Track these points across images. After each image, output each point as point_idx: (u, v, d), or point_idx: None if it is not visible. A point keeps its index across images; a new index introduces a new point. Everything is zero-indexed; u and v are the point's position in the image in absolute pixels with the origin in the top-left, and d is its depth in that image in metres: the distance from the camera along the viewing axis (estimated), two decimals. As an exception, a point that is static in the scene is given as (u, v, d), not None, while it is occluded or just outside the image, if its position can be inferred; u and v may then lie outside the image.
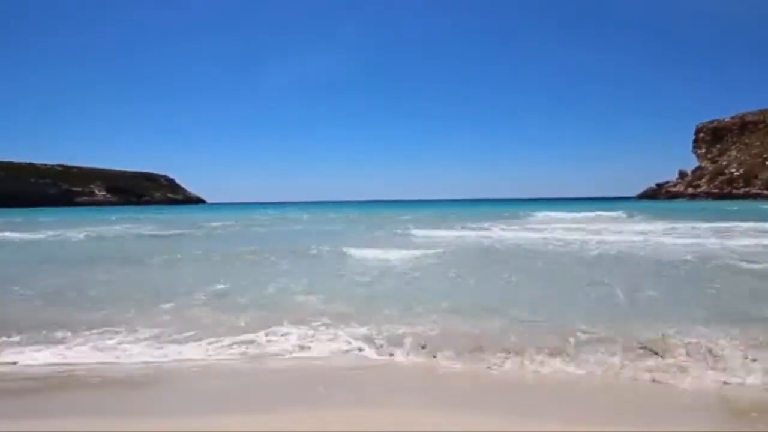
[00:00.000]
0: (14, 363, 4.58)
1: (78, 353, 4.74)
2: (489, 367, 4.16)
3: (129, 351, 4.79)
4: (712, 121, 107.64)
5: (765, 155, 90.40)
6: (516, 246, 14.14)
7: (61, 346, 4.93)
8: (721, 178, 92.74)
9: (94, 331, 5.34)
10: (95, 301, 7.10)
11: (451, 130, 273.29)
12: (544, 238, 15.93)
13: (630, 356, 4.23)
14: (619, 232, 18.43)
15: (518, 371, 4.11)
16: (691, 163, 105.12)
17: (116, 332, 5.35)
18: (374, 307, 6.32)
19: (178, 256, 13.21)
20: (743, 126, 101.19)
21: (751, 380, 3.80)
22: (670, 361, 4.11)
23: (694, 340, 4.50)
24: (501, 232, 18.55)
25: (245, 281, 8.64)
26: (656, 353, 4.23)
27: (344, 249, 12.92)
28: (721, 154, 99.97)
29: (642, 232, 18.07)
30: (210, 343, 4.95)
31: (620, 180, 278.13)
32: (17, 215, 47.94)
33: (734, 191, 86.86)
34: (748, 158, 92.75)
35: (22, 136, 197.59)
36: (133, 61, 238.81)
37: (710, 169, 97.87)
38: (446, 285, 8.25)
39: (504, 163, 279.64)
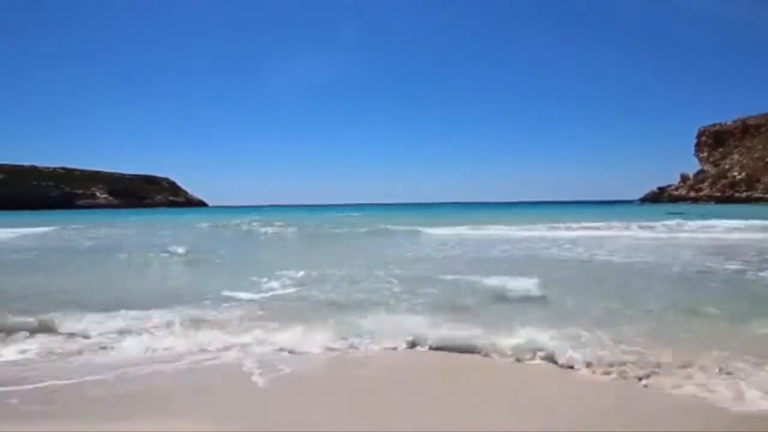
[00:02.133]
0: None
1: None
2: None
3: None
4: (714, 125, 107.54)
5: (767, 159, 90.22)
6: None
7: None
8: (724, 181, 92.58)
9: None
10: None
11: (452, 132, 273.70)
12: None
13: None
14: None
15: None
16: (693, 167, 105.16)
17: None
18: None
19: None
20: (745, 130, 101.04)
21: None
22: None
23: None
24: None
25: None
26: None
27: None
28: (723, 157, 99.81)
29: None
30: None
31: (622, 184, 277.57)
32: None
33: (736, 195, 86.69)
34: (750, 162, 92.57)
35: (24, 139, 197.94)
36: (135, 63, 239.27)
37: (712, 172, 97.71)
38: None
39: (506, 165, 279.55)
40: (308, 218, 43.36)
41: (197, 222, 35.89)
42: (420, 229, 23.82)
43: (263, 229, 27.22)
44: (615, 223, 24.52)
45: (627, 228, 22.21)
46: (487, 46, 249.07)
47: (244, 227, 30.09)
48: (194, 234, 25.46)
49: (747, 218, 24.89)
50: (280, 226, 28.89)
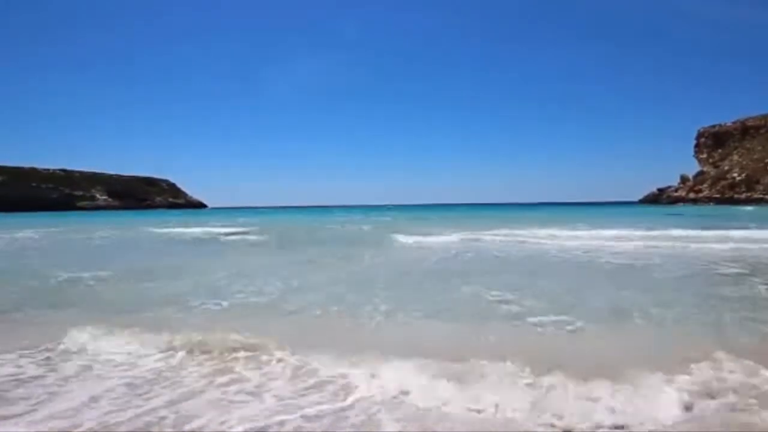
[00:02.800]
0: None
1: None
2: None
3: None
4: (713, 126, 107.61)
5: (767, 160, 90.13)
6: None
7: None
8: (723, 182, 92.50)
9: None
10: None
11: (452, 133, 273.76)
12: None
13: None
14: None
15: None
16: (692, 168, 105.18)
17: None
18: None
19: None
20: (745, 131, 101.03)
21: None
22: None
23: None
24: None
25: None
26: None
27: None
28: (722, 158, 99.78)
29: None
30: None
31: (622, 185, 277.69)
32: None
33: (736, 196, 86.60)
34: (749, 163, 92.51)
35: (24, 141, 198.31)
36: (135, 65, 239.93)
37: (712, 173, 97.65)
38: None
39: (504, 166, 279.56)
40: (294, 221, 41.86)
41: (165, 226, 33.44)
42: (420, 238, 19.16)
43: (224, 237, 23.43)
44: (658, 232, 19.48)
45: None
46: (486, 47, 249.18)
47: (211, 233, 26.02)
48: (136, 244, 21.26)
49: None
50: (244, 233, 25.36)
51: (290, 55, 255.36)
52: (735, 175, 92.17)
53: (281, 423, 3.36)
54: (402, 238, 19.46)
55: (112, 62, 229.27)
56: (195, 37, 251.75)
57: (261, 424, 3.35)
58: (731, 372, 3.95)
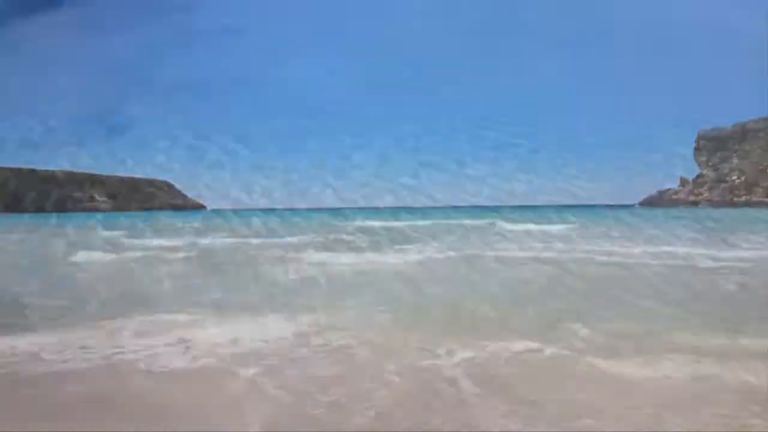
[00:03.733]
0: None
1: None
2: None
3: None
4: (713, 129, 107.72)
5: (766, 163, 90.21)
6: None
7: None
8: (723, 185, 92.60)
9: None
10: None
11: (449, 132, 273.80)
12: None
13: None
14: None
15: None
16: (692, 171, 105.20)
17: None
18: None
19: None
20: (744, 134, 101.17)
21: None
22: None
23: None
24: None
25: None
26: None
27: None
28: (722, 161, 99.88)
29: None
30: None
31: (621, 187, 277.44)
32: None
33: (735, 199, 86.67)
34: (749, 166, 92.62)
35: (24, 141, 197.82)
36: (135, 65, 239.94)
37: (711, 176, 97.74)
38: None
39: (502, 166, 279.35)
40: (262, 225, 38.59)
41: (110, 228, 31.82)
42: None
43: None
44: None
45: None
46: (487, 47, 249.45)
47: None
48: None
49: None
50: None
51: (291, 56, 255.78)
52: (735, 178, 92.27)
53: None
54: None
55: (113, 62, 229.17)
56: (195, 37, 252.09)
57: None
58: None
